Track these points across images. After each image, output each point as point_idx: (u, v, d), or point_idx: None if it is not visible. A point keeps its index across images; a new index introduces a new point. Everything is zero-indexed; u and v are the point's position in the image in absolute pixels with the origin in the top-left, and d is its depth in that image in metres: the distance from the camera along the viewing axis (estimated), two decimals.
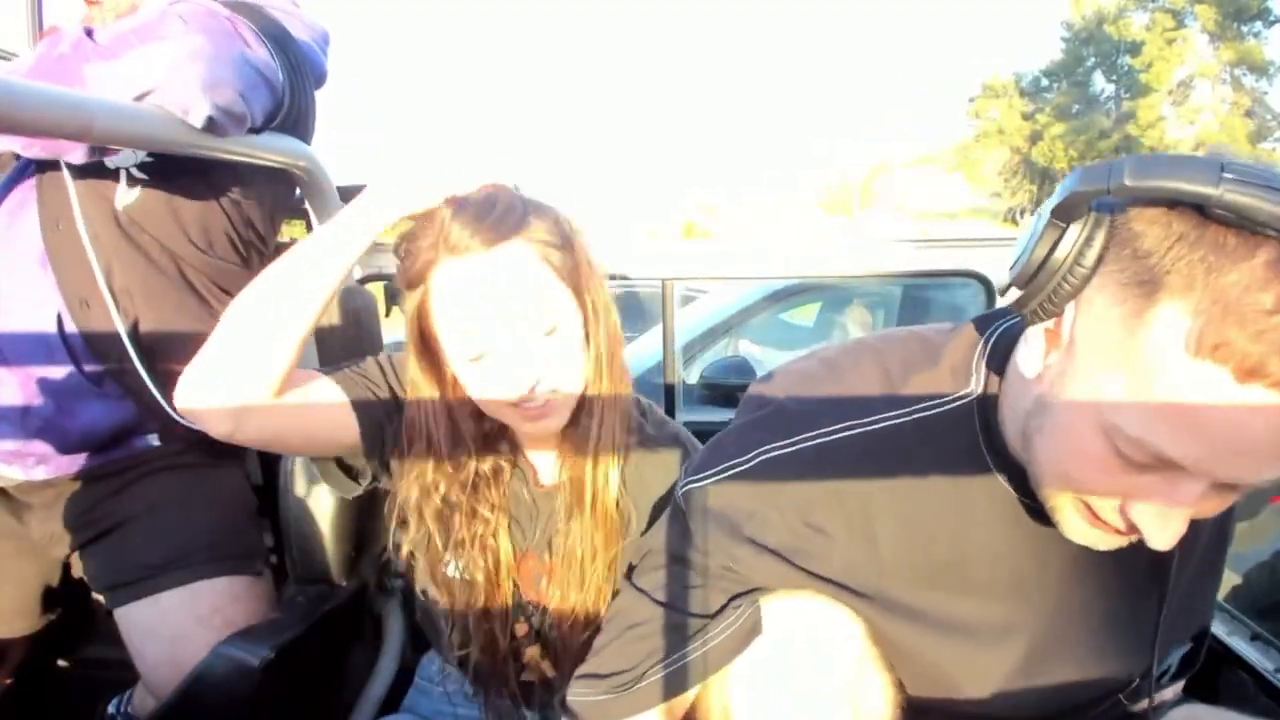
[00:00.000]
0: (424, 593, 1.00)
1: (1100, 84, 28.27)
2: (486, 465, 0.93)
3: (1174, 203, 0.53)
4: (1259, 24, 24.24)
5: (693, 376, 3.07)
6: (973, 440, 0.70)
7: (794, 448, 0.73)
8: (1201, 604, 0.82)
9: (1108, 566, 0.72)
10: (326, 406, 0.90)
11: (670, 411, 1.65)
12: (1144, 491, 0.57)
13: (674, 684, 0.74)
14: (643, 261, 1.56)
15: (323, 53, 1.32)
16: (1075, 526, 0.63)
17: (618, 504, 0.93)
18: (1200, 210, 0.52)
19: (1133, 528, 0.58)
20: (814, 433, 0.72)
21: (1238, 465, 0.53)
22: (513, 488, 0.96)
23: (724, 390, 2.72)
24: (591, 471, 0.92)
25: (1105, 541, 0.63)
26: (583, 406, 0.90)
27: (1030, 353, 0.63)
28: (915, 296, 3.29)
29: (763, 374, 0.86)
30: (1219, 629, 1.14)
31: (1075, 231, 0.57)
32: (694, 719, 0.78)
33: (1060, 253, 0.57)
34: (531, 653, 0.99)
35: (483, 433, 0.93)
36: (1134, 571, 0.74)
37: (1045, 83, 28.82)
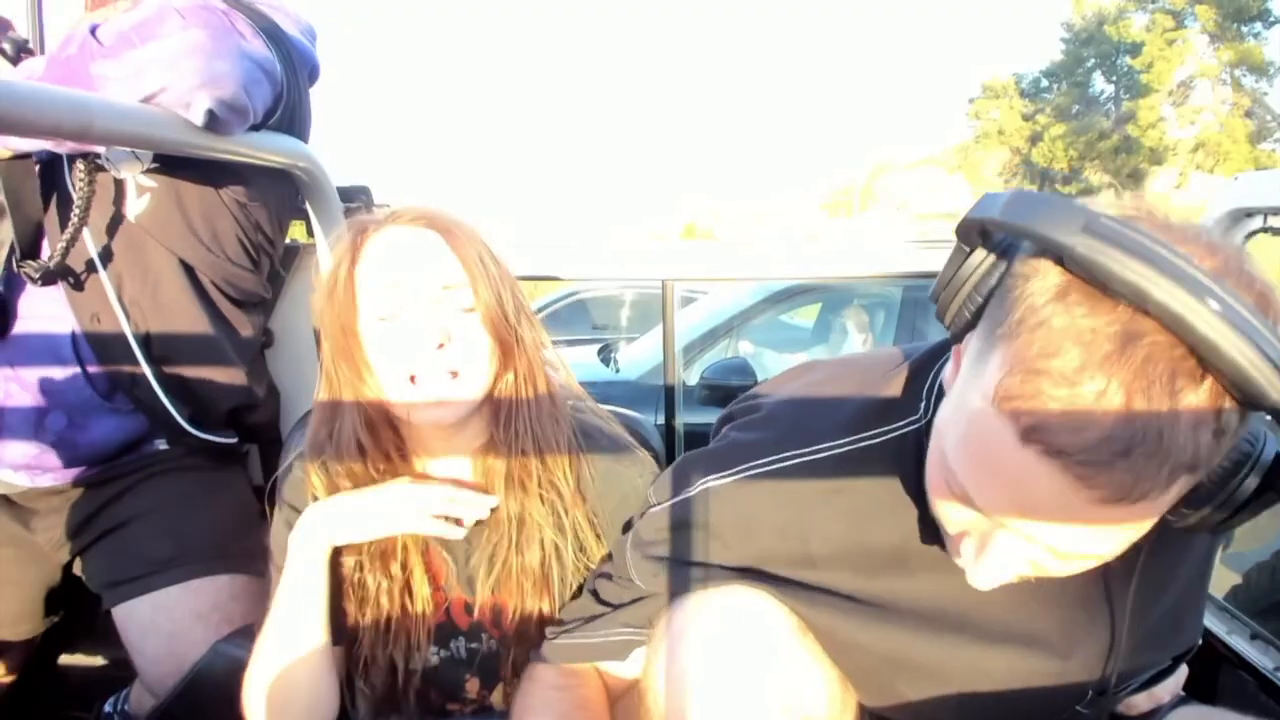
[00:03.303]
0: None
1: (1100, 85, 28.28)
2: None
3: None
4: (1259, 24, 24.22)
5: (693, 377, 3.08)
6: (912, 470, 0.70)
7: (734, 478, 0.75)
8: (1180, 630, 0.81)
9: (1054, 598, 0.71)
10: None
11: (670, 413, 1.65)
12: (969, 529, 0.59)
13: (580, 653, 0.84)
14: (643, 261, 1.56)
15: (312, 47, 1.32)
16: (949, 546, 0.64)
17: (558, 526, 0.92)
18: (1060, 261, 0.49)
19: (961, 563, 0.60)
20: (754, 463, 0.75)
21: (1028, 521, 0.53)
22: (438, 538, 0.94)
23: (724, 391, 2.72)
24: (523, 503, 0.91)
25: (984, 585, 0.62)
26: (499, 417, 0.90)
27: (948, 373, 0.64)
28: (915, 297, 3.29)
29: (757, 385, 0.91)
30: (1219, 629, 1.14)
31: (975, 260, 0.56)
32: (634, 714, 0.80)
33: (960, 276, 0.57)
34: (473, 685, 0.98)
35: (388, 452, 0.91)
36: (1085, 596, 0.73)
37: (1045, 83, 28.81)
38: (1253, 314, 0.46)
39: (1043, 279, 0.50)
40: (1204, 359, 0.46)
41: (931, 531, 0.68)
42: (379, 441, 0.89)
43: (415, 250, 0.84)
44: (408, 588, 0.92)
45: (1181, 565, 0.76)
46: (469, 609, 0.96)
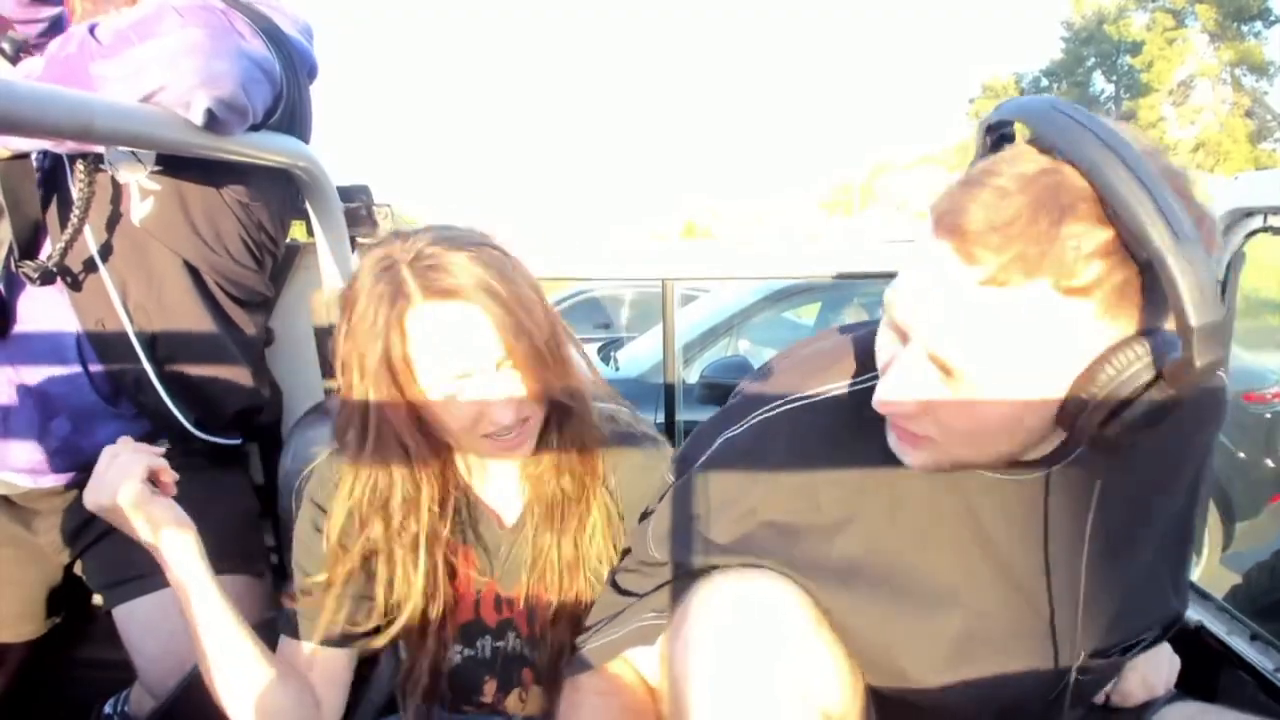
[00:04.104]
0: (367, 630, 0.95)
1: (1100, 84, 28.28)
2: (438, 495, 0.90)
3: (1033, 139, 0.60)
4: (1259, 24, 24.20)
5: (693, 376, 3.08)
6: None
7: (746, 426, 0.80)
8: (1161, 595, 0.83)
9: (1035, 539, 0.75)
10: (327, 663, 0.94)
11: (670, 411, 1.65)
12: (888, 357, 0.66)
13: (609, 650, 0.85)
14: (643, 262, 1.56)
15: (309, 46, 1.32)
16: (890, 438, 0.70)
17: (595, 528, 0.93)
18: (1037, 146, 0.59)
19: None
20: (759, 410, 0.80)
21: (925, 316, 0.61)
22: (476, 529, 0.95)
23: (724, 390, 2.71)
24: (564, 501, 0.92)
25: (907, 454, 0.69)
26: (545, 429, 0.91)
27: None
28: None
29: None
30: (1219, 629, 1.14)
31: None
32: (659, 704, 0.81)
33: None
34: (490, 688, 0.99)
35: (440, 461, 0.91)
36: (1060, 547, 0.76)
37: (1045, 83, 28.80)
38: (1162, 180, 0.53)
39: (1012, 148, 0.62)
40: (1111, 209, 0.54)
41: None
42: (427, 445, 0.88)
43: (465, 332, 0.81)
44: (438, 583, 0.92)
45: (1143, 527, 0.78)
46: (499, 605, 0.97)
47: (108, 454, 0.85)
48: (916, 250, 0.62)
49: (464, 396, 0.83)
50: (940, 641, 0.76)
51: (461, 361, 0.81)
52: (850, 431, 0.76)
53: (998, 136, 0.65)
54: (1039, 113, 0.59)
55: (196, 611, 0.85)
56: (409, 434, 0.86)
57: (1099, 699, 0.89)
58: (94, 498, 0.83)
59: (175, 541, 0.84)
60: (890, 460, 0.73)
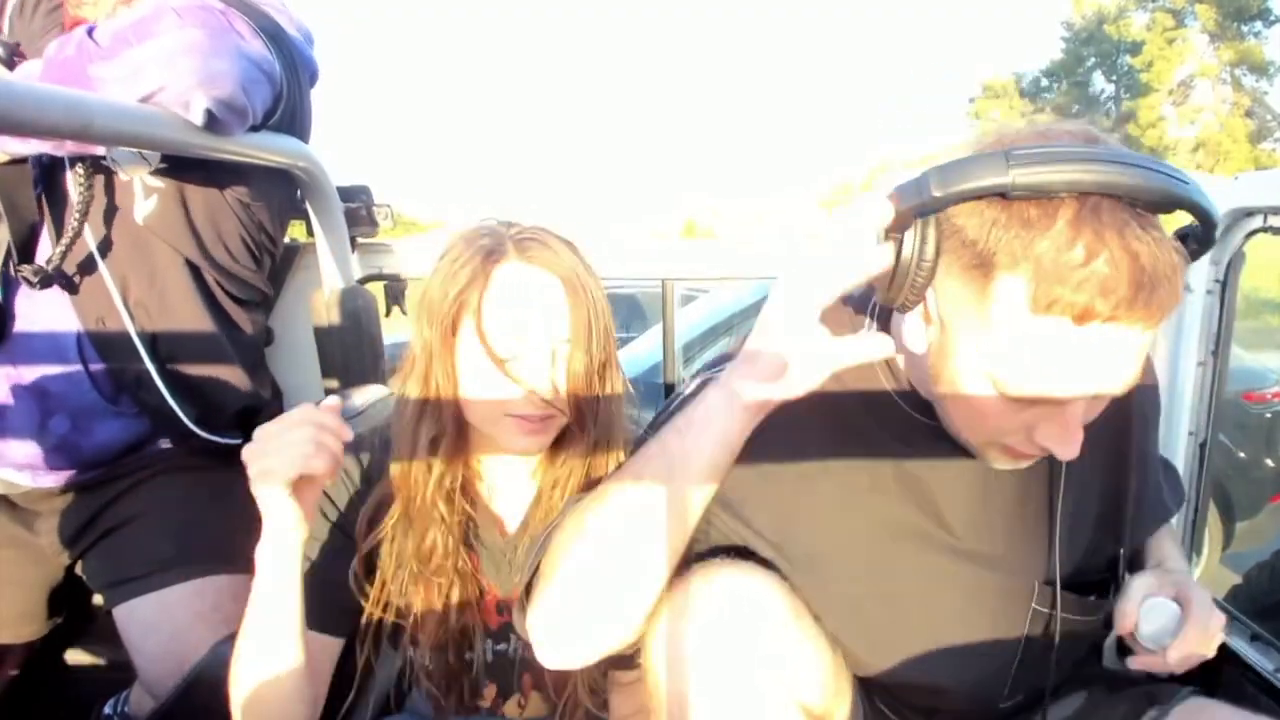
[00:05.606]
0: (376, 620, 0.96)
1: (1100, 84, 28.27)
2: (448, 484, 0.91)
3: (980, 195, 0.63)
4: (1259, 24, 24.17)
5: None
6: (876, 377, 0.81)
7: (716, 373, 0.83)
8: (1092, 531, 0.86)
9: (1007, 481, 0.81)
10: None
11: None
12: (1041, 420, 0.69)
13: None
14: (643, 261, 1.55)
15: (310, 51, 1.32)
16: (1000, 461, 0.75)
17: None
18: (1003, 195, 0.62)
19: (1044, 449, 0.70)
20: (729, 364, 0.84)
21: (1095, 384, 0.65)
22: (479, 533, 0.95)
23: None
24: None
25: (1027, 461, 0.75)
26: (567, 437, 0.91)
27: (913, 332, 0.74)
28: None
29: None
30: None
31: (911, 236, 0.67)
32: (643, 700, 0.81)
33: (905, 254, 0.67)
34: (490, 693, 0.99)
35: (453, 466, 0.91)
36: (1030, 486, 0.82)
37: (1045, 83, 28.79)
38: (1139, 152, 0.61)
39: (990, 217, 0.63)
40: (1135, 198, 0.60)
41: (906, 433, 0.79)
42: (460, 441, 0.91)
43: (542, 297, 0.85)
44: (451, 586, 0.92)
45: (1092, 461, 0.81)
46: (501, 608, 0.96)
47: (285, 421, 0.77)
48: (1053, 345, 0.63)
49: (509, 369, 0.85)
50: (928, 614, 0.79)
51: (526, 322, 0.85)
52: (833, 397, 0.80)
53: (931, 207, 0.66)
54: (1010, 177, 0.60)
55: (260, 592, 0.82)
56: (440, 415, 0.87)
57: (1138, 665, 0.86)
58: (248, 460, 0.76)
59: (274, 536, 0.79)
60: (878, 427, 0.79)
